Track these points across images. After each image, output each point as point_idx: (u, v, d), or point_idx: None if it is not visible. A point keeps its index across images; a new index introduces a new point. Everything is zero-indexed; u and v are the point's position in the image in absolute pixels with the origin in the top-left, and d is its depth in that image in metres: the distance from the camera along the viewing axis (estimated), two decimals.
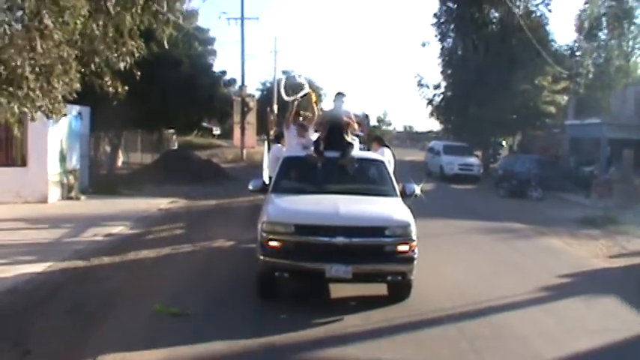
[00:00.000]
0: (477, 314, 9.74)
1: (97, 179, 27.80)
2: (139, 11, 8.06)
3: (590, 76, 49.52)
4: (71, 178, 23.79)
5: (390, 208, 10.59)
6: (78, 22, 6.78)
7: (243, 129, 47.12)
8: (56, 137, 21.89)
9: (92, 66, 7.74)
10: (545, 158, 36.55)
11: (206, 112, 38.74)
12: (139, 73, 9.10)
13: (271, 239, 9.73)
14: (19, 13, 6.19)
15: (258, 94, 63.29)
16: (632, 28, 49.68)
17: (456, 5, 46.17)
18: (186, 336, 8.24)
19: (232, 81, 43.92)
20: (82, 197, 23.66)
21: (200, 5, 42.26)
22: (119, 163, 37.67)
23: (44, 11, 6.27)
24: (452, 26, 46.88)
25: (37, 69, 6.55)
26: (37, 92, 6.82)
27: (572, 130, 38.78)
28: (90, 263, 12.41)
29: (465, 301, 10.27)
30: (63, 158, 23.12)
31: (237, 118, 48.59)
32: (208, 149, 49.75)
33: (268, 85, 66.48)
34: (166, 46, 9.99)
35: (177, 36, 9.23)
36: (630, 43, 50.66)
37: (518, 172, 32.00)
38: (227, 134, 57.86)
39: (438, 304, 9.93)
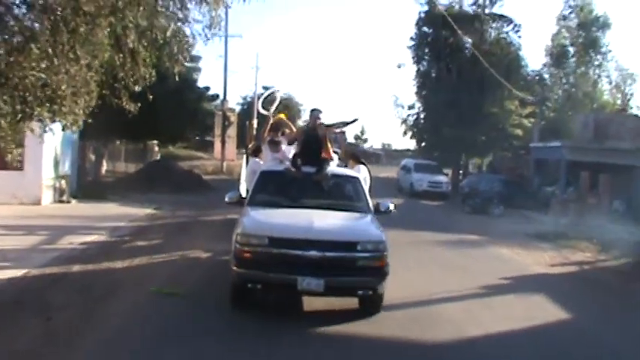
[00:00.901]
0: (422, 304, 11.45)
1: (85, 185, 29.27)
2: (156, 52, 9.87)
3: (559, 101, 51.98)
4: (63, 182, 25.44)
5: (363, 224, 10.93)
6: (106, 55, 8.50)
7: (223, 142, 48.80)
8: (51, 144, 23.33)
9: (111, 88, 9.50)
10: (509, 178, 38.60)
11: (190, 125, 40.51)
12: (151, 96, 10.85)
13: (245, 251, 9.88)
14: (60, 47, 7.88)
15: (238, 108, 64.83)
16: (598, 56, 52.11)
17: (431, 30, 48.32)
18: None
19: (215, 96, 45.87)
20: (73, 201, 25.30)
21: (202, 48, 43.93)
22: (103, 171, 39.09)
23: (77, 46, 7.97)
24: (427, 50, 48.95)
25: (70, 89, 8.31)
26: (69, 108, 8.56)
27: (536, 152, 40.82)
28: (90, 255, 14.13)
29: (412, 295, 11.87)
30: (56, 164, 24.72)
31: (218, 131, 50.24)
32: (189, 161, 51.20)
33: (249, 99, 68.05)
34: (177, 79, 11.66)
35: (166, 54, 10.77)
36: (597, 71, 53.09)
37: (483, 190, 33.96)
38: (208, 147, 59.47)
39: (389, 297, 10.71)
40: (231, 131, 50.39)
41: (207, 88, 42.77)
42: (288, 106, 52.30)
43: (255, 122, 32.61)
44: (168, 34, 9.61)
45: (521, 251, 19.57)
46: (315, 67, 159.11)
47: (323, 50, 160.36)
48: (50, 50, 7.67)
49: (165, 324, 9.44)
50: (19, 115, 8.08)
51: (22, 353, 7.85)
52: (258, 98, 36.49)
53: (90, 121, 10.29)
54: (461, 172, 50.97)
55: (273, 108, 16.40)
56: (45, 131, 9.67)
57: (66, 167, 26.20)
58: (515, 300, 12.74)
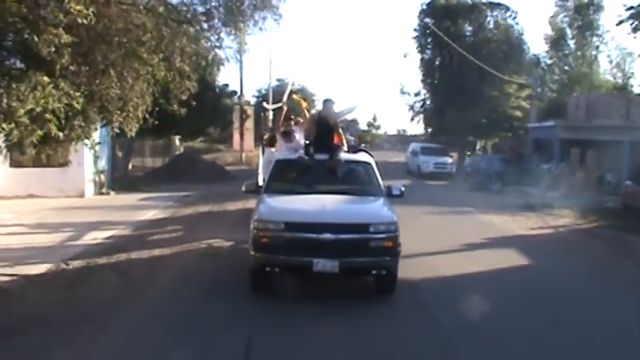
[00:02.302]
0: (411, 257, 13.80)
1: (117, 179, 32.32)
2: (200, 71, 13.00)
3: (559, 82, 54.58)
4: (102, 177, 28.58)
5: (375, 207, 11.41)
6: (161, 73, 11.44)
7: (242, 134, 51.94)
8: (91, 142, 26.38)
9: (165, 98, 12.49)
10: (509, 157, 41.37)
11: (211, 121, 43.58)
12: (194, 103, 13.91)
13: (262, 236, 10.37)
14: (129, 69, 10.82)
15: (253, 101, 67.57)
16: (594, 38, 54.52)
17: (432, 20, 51.06)
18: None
19: (233, 93, 48.97)
20: (112, 193, 28.43)
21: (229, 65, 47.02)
22: (130, 166, 42.04)
23: (140, 67, 10.91)
24: (429, 39, 51.71)
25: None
26: (134, 114, 11.56)
27: (533, 132, 43.47)
28: (147, 229, 17.29)
29: (405, 251, 14.38)
30: (95, 160, 27.73)
31: (236, 124, 53.29)
32: (209, 153, 54.19)
33: (263, 92, 70.69)
34: (217, 90, 14.63)
35: (208, 73, 13.81)
36: (594, 52, 55.47)
37: (483, 169, 36.81)
38: (226, 139, 62.30)
39: None
40: (249, 124, 53.33)
41: (227, 85, 46.00)
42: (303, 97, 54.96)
43: (270, 114, 35.25)
44: (210, 57, 12.65)
45: (508, 219, 22.34)
46: (326, 58, 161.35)
47: (333, 43, 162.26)
48: (124, 72, 10.64)
49: (213, 274, 12.47)
50: (103, 122, 11.06)
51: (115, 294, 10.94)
52: (273, 91, 39.31)
53: (157, 122, 13.25)
54: (469, 153, 53.57)
55: (285, 98, 17.85)
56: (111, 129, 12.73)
57: (103, 163, 29.23)
58: (490, 252, 15.72)
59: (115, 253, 13.90)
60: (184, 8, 11.86)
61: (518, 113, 47.18)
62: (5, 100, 8.67)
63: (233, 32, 12.59)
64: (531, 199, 28.23)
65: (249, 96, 68.62)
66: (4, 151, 11.05)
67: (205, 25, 12.01)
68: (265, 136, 17.77)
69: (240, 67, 51.74)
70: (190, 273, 12.56)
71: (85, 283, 11.50)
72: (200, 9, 11.71)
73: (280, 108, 17.15)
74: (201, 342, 8.50)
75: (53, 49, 8.69)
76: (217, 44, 13.04)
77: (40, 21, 8.70)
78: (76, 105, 9.67)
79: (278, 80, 66.40)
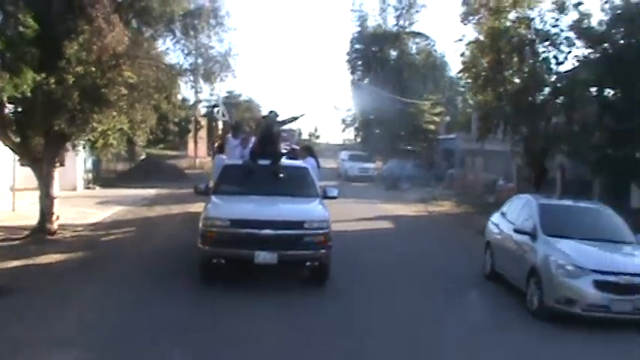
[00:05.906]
0: None
1: (96, 178, 39.16)
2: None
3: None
4: (89, 175, 35.79)
5: (310, 207, 12.40)
6: (163, 106, 19.23)
7: (196, 142, 59.18)
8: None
9: (165, 120, 20.11)
10: (420, 163, 49.63)
11: (172, 130, 50.65)
12: (183, 123, 21.64)
13: (210, 232, 11.30)
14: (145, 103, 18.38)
15: (204, 111, 73.96)
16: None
17: (362, 46, 59.39)
18: None
19: (191, 106, 56.43)
20: (97, 187, 35.58)
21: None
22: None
23: (152, 102, 18.57)
24: (359, 62, 59.92)
25: None
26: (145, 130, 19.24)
27: (443, 143, 51.73)
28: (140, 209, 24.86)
29: None
30: (84, 162, 34.86)
31: (191, 133, 60.42)
32: (166, 159, 60.59)
33: (213, 103, 77.06)
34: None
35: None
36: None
37: (396, 172, 44.98)
38: (180, 146, 68.94)
39: None
40: (202, 133, 60.34)
41: (185, 100, 53.34)
42: (250, 108, 62.18)
43: (220, 124, 41.85)
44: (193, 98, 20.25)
45: (400, 206, 30.06)
46: (272, 73, 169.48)
47: (278, 61, 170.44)
48: (144, 105, 18.04)
49: None
50: (132, 137, 18.61)
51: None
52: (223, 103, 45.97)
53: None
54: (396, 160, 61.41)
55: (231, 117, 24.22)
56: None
57: (88, 164, 36.41)
58: (370, 222, 23.61)
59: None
60: (178, 67, 19.36)
61: (432, 127, 55.08)
62: (92, 124, 16.32)
63: (208, 82, 20.20)
64: (427, 195, 35.78)
65: (201, 107, 75.20)
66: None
67: (191, 77, 19.60)
68: (216, 144, 20.59)
69: (195, 79, 58.76)
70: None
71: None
72: (188, 67, 19.19)
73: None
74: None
75: (116, 97, 16.22)
76: (199, 90, 21.06)
77: (108, 81, 16.26)
78: (124, 127, 17.45)
79: (228, 92, 73.09)
